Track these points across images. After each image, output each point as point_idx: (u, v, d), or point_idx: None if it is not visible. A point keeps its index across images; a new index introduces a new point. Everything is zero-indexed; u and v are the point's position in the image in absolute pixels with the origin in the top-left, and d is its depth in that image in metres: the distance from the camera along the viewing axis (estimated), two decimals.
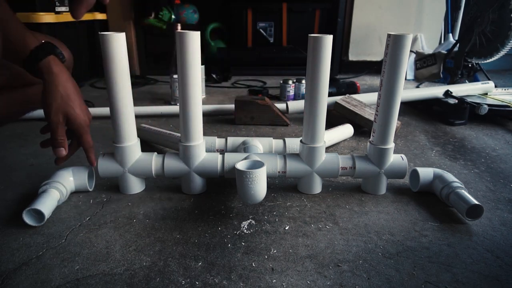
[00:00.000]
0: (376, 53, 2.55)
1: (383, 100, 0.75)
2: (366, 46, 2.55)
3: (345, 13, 2.38)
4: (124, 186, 0.81)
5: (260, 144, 0.95)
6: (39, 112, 1.31)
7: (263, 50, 2.41)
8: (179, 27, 1.64)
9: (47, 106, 0.58)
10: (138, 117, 1.32)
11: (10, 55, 0.54)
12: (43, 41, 0.55)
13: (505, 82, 2.20)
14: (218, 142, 0.98)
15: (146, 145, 1.09)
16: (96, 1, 0.61)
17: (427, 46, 2.39)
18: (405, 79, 1.80)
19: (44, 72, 0.56)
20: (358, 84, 1.73)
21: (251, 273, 0.57)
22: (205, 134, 1.12)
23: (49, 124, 0.59)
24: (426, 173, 0.82)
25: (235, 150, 0.97)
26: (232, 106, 1.39)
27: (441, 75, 1.77)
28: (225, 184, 0.87)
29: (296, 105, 1.42)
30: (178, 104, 0.91)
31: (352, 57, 2.57)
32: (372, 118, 1.17)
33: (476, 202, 0.70)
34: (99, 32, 0.86)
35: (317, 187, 0.83)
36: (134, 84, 1.93)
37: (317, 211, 0.76)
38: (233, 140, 0.98)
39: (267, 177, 0.76)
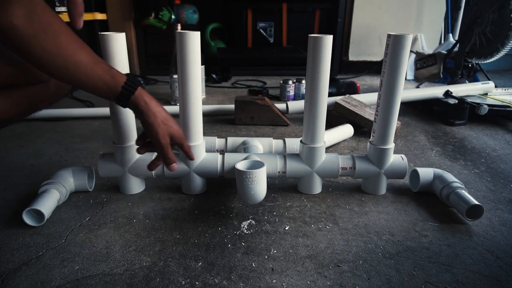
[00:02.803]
0: (376, 53, 2.55)
1: (383, 100, 0.75)
2: (366, 46, 2.55)
3: (345, 13, 2.38)
4: (124, 186, 0.81)
5: (260, 144, 0.95)
6: (39, 112, 1.31)
7: (263, 50, 2.41)
8: (179, 27, 1.64)
9: (155, 133, 0.65)
10: None
11: (100, 90, 0.60)
12: (125, 74, 0.62)
13: (505, 82, 2.21)
14: (218, 142, 0.98)
15: None
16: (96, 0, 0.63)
17: (427, 46, 2.39)
18: (405, 79, 1.80)
19: (139, 103, 0.63)
20: (358, 84, 1.73)
21: (251, 273, 0.57)
22: (205, 134, 1.11)
23: (159, 147, 0.67)
24: (426, 173, 0.82)
25: (235, 150, 0.96)
26: (232, 106, 1.39)
27: (441, 75, 1.77)
28: (225, 184, 0.87)
29: (296, 105, 1.42)
30: (178, 104, 0.91)
31: (352, 57, 2.57)
32: (372, 118, 1.17)
33: (476, 202, 0.70)
34: (99, 32, 0.86)
35: (317, 187, 0.83)
36: None
37: (317, 211, 0.76)
38: (233, 140, 0.98)
39: (267, 177, 0.76)
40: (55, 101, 0.75)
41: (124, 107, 0.63)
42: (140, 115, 0.64)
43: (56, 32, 0.54)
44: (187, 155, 0.74)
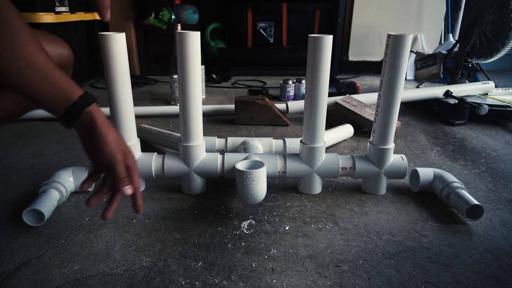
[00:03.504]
0: (376, 53, 2.55)
1: (383, 100, 0.75)
2: (366, 46, 2.54)
3: (345, 13, 2.38)
4: None
5: (260, 144, 0.95)
6: (38, 112, 1.31)
7: (263, 50, 2.40)
8: (179, 27, 1.64)
9: (106, 151, 0.56)
10: (138, 117, 1.32)
11: (52, 97, 0.53)
12: (82, 90, 0.56)
13: (505, 82, 2.20)
14: (218, 142, 0.98)
15: (146, 145, 1.09)
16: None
17: (427, 46, 2.39)
18: (405, 79, 1.80)
19: (93, 118, 0.56)
20: (358, 84, 1.73)
21: (251, 273, 0.57)
22: (205, 134, 1.11)
23: (111, 166, 0.57)
24: (426, 173, 0.82)
25: (235, 150, 0.96)
26: (232, 106, 1.39)
27: (441, 75, 1.77)
28: (225, 184, 0.87)
29: (296, 105, 1.42)
30: (178, 104, 0.91)
31: (352, 57, 2.57)
32: (372, 118, 1.17)
33: (476, 202, 0.69)
34: (99, 32, 0.86)
35: (317, 187, 0.83)
36: (134, 84, 1.93)
37: (317, 211, 0.76)
38: (233, 140, 0.98)
39: (267, 177, 0.76)
40: None
41: (71, 124, 0.54)
42: (92, 131, 0.55)
43: (14, 29, 0.49)
44: (134, 198, 0.58)
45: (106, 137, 0.56)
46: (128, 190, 0.58)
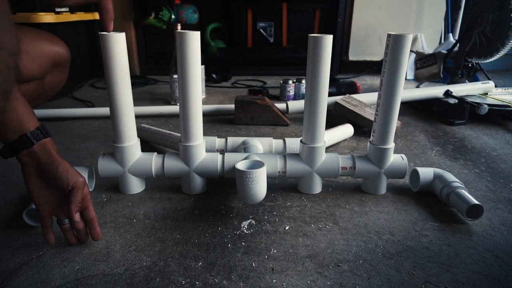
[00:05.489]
0: (376, 53, 2.55)
1: (383, 100, 0.75)
2: (366, 46, 2.55)
3: (345, 13, 2.38)
4: (124, 186, 0.81)
5: (260, 144, 0.95)
6: (38, 112, 1.31)
7: (263, 50, 2.41)
8: (179, 27, 1.64)
9: (69, 174, 0.58)
10: (138, 117, 1.32)
11: (4, 126, 0.53)
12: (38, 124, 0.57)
13: (505, 82, 2.20)
14: (218, 142, 0.98)
15: (146, 145, 1.09)
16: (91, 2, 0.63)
17: (427, 46, 2.39)
18: (405, 79, 1.80)
19: (49, 149, 0.57)
20: (358, 84, 1.73)
21: (251, 273, 0.57)
22: (205, 134, 1.11)
23: (72, 189, 0.58)
24: (426, 173, 0.82)
25: (235, 150, 0.97)
26: (232, 106, 1.39)
27: (441, 75, 1.77)
28: (225, 184, 0.87)
29: (296, 105, 1.42)
30: (178, 104, 0.91)
31: (352, 57, 2.57)
32: (372, 118, 1.17)
33: (476, 202, 0.70)
34: (99, 32, 0.86)
35: (317, 187, 0.83)
36: (134, 84, 1.93)
37: (317, 211, 0.76)
38: (233, 140, 0.98)
39: (267, 177, 0.76)
40: (49, 98, 0.75)
41: (16, 152, 0.54)
42: (45, 161, 0.57)
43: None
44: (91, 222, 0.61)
45: (64, 164, 0.59)
46: (78, 216, 0.59)
